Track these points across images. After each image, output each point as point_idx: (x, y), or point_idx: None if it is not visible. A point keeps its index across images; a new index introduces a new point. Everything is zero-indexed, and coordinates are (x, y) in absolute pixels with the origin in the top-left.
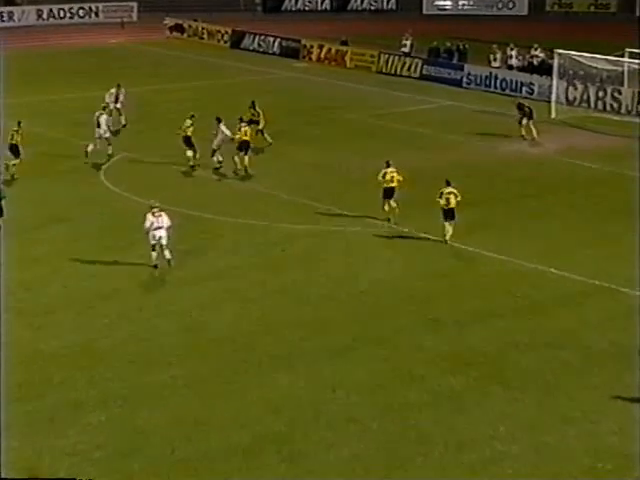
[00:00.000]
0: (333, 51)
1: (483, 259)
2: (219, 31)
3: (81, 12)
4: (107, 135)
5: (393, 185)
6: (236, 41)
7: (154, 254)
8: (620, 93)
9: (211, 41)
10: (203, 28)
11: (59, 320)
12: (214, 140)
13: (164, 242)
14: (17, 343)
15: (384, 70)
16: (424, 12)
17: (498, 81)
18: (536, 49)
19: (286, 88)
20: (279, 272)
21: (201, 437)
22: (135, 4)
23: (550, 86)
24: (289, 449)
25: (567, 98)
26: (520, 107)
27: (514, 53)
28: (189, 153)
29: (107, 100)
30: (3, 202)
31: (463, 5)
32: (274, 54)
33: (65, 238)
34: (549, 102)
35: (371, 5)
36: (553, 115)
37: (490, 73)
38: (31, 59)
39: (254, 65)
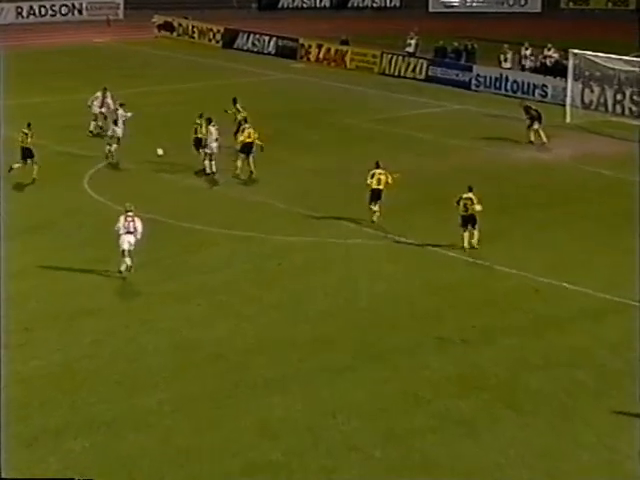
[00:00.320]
0: (333, 51)
1: (492, 272)
2: (211, 30)
3: (64, 9)
4: (119, 135)
5: (380, 187)
6: (229, 40)
7: (124, 260)
8: None
9: (202, 40)
10: (194, 26)
11: (39, 338)
12: (207, 144)
13: (128, 248)
14: None
15: (387, 71)
16: (430, 9)
17: (509, 83)
18: (550, 49)
19: (283, 90)
20: (275, 287)
21: (191, 465)
22: (121, 1)
23: (564, 88)
24: (286, 479)
25: (583, 101)
26: (527, 110)
27: (528, 53)
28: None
29: (91, 104)
30: None
31: (472, 2)
32: (270, 54)
33: (46, 250)
34: (563, 105)
35: (373, 2)
36: (568, 119)
37: (500, 74)
38: (9, 60)
39: (248, 66)
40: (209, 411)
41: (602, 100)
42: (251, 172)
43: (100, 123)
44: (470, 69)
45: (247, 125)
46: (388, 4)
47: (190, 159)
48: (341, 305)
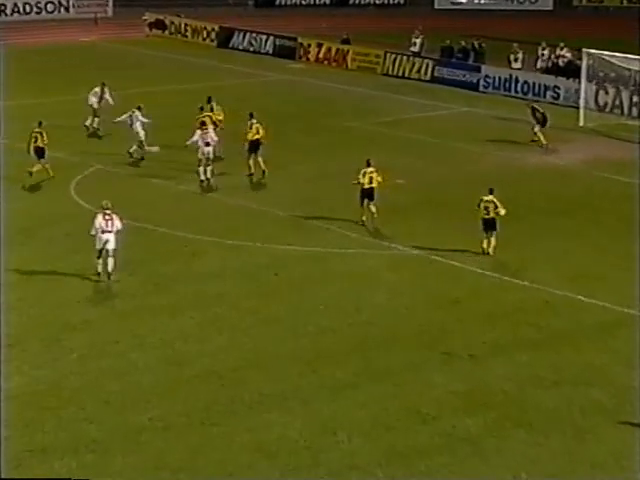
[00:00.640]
0: (333, 51)
1: (502, 284)
2: (205, 28)
3: (49, 7)
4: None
5: (373, 186)
6: (224, 39)
7: (99, 262)
8: None
9: (196, 39)
10: (187, 25)
11: (24, 354)
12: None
13: (110, 247)
14: None
15: (390, 72)
16: (436, 7)
17: (519, 84)
18: (562, 48)
19: (281, 92)
20: (272, 299)
21: None
22: None
23: (578, 90)
24: None
25: (597, 103)
26: (533, 112)
27: (546, 53)
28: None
29: (90, 101)
30: None
31: None
32: (267, 54)
33: (31, 261)
34: (577, 108)
35: None
36: (581, 122)
37: (510, 75)
38: None
39: (244, 66)
40: (203, 429)
41: (617, 102)
42: (263, 172)
43: (96, 121)
44: (478, 70)
45: (254, 121)
46: (392, 1)
47: (183, 163)
48: (342, 318)
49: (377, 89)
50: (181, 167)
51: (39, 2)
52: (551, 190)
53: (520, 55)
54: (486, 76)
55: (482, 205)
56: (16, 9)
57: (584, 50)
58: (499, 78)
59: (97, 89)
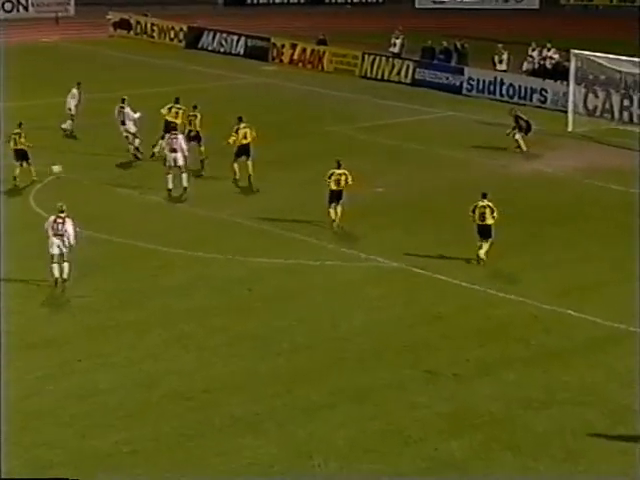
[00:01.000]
0: (308, 52)
1: (489, 298)
2: (172, 28)
3: (7, 5)
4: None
5: (340, 188)
6: (193, 40)
7: (54, 267)
8: None
9: (163, 40)
10: (153, 24)
11: None
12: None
13: (64, 251)
14: None
15: (369, 74)
16: (417, 5)
17: (504, 87)
18: (549, 49)
19: (253, 96)
20: (244, 315)
21: None
22: None
23: (566, 93)
24: None
25: (586, 107)
26: (517, 120)
27: (535, 54)
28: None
29: (69, 105)
30: None
31: None
32: (238, 55)
33: None
34: (565, 112)
35: None
36: (570, 127)
37: (495, 78)
38: None
39: (214, 68)
40: (171, 454)
41: (607, 106)
42: (249, 176)
43: (72, 123)
44: (461, 72)
45: (242, 125)
46: None
47: (149, 172)
48: (319, 336)
49: (355, 92)
50: (147, 175)
51: None
52: (539, 198)
53: (505, 56)
54: (470, 78)
55: (477, 211)
56: None
57: (572, 51)
58: (483, 81)
59: (74, 90)
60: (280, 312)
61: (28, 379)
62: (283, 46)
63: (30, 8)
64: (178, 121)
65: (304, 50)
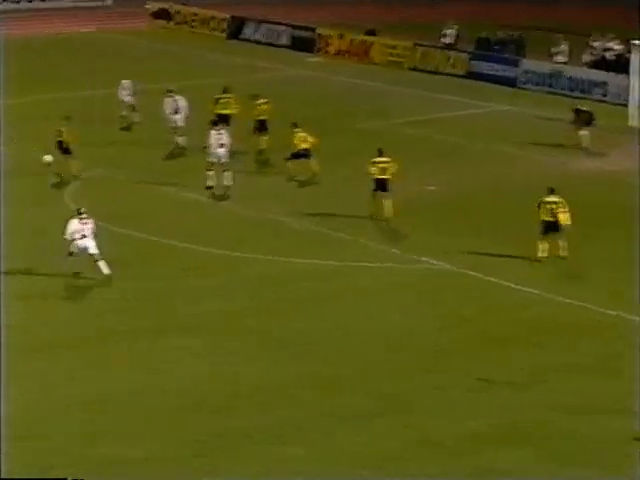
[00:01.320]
0: (356, 42)
1: (545, 302)
2: (214, 18)
3: None
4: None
5: (385, 177)
6: (235, 30)
7: (70, 259)
8: None
9: (204, 30)
10: (195, 14)
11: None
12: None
13: (94, 252)
14: None
15: (420, 66)
16: None
17: (563, 80)
18: (611, 40)
19: (298, 90)
20: (278, 318)
21: None
22: None
23: (628, 86)
24: None
25: None
26: (577, 113)
27: (598, 45)
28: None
29: (121, 97)
30: None
31: None
32: (283, 46)
33: (24, 278)
34: (627, 106)
35: None
36: (631, 122)
37: (553, 70)
38: None
39: (257, 60)
40: (199, 461)
41: None
42: (314, 175)
43: (126, 113)
44: (517, 63)
45: (299, 129)
46: None
47: (189, 168)
48: (360, 341)
49: (405, 85)
50: (186, 170)
51: None
52: (599, 197)
53: (564, 47)
54: (526, 71)
55: (546, 207)
56: None
57: (633, 42)
58: (540, 73)
59: (124, 82)
60: (318, 315)
61: (31, 388)
62: (330, 37)
63: None
64: (231, 111)
65: (352, 41)
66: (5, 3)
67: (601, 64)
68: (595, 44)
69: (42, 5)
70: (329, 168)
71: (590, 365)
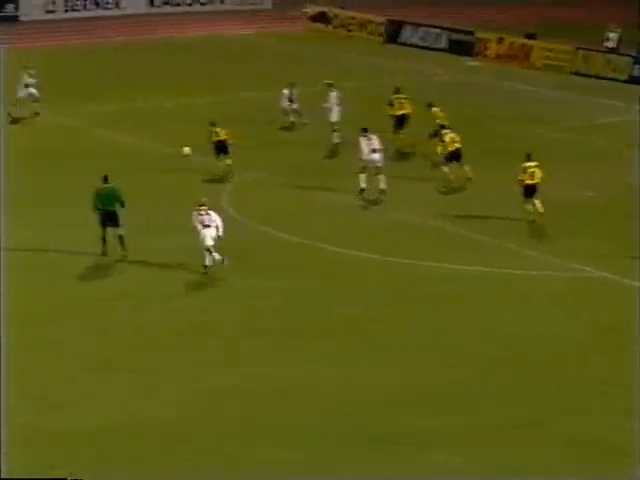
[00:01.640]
0: (516, 46)
1: None
2: (371, 22)
3: None
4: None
5: (534, 182)
6: (392, 34)
7: (207, 254)
8: None
9: (361, 34)
10: (352, 18)
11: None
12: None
13: (210, 243)
14: None
15: (582, 71)
16: None
17: None
18: None
19: (453, 94)
20: (424, 321)
21: None
22: None
23: None
24: None
25: None
26: None
27: None
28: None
29: (284, 105)
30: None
31: None
32: (440, 50)
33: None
34: None
35: None
36: None
37: None
38: (138, 54)
39: (414, 63)
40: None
41: None
42: (468, 178)
43: (292, 119)
44: None
45: (448, 130)
46: None
47: (340, 171)
48: (513, 348)
49: (566, 90)
50: (335, 171)
51: None
52: None
53: None
54: None
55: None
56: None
57: None
58: None
59: (286, 90)
60: (464, 321)
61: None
62: (488, 40)
63: (227, 2)
64: (407, 111)
65: (511, 44)
66: (166, 6)
67: None
68: None
69: (200, 9)
70: (482, 172)
71: None
